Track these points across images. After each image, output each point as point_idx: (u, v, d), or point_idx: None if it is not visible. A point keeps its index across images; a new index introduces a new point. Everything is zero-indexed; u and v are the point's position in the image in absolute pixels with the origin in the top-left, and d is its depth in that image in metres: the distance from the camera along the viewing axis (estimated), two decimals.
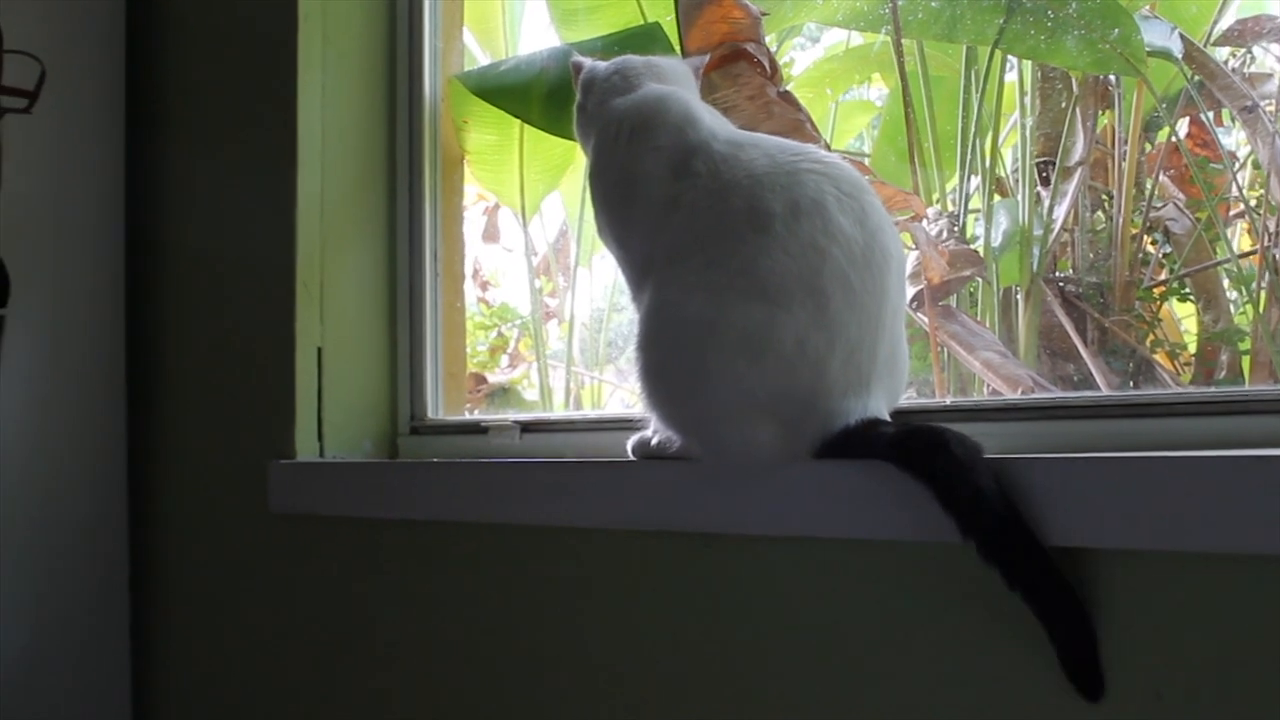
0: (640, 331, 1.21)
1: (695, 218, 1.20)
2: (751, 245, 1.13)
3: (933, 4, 1.69)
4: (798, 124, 1.57)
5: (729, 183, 1.18)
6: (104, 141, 2.02)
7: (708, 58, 1.51)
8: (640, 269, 1.27)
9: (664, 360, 1.18)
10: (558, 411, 2.15)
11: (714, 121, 1.29)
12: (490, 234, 2.71)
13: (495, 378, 2.65)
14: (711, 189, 1.19)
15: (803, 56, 2.22)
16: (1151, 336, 1.84)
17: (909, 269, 1.66)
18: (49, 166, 1.94)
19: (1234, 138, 1.85)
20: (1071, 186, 1.84)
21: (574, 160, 2.07)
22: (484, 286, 2.79)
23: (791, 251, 1.11)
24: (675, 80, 1.37)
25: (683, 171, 1.23)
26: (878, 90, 2.26)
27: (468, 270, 2.06)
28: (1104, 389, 1.68)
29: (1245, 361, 1.72)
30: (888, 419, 1.14)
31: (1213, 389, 1.59)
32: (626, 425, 1.37)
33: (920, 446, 1.03)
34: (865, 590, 1.18)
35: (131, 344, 2.03)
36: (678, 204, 1.22)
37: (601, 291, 2.38)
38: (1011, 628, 1.06)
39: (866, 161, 2.12)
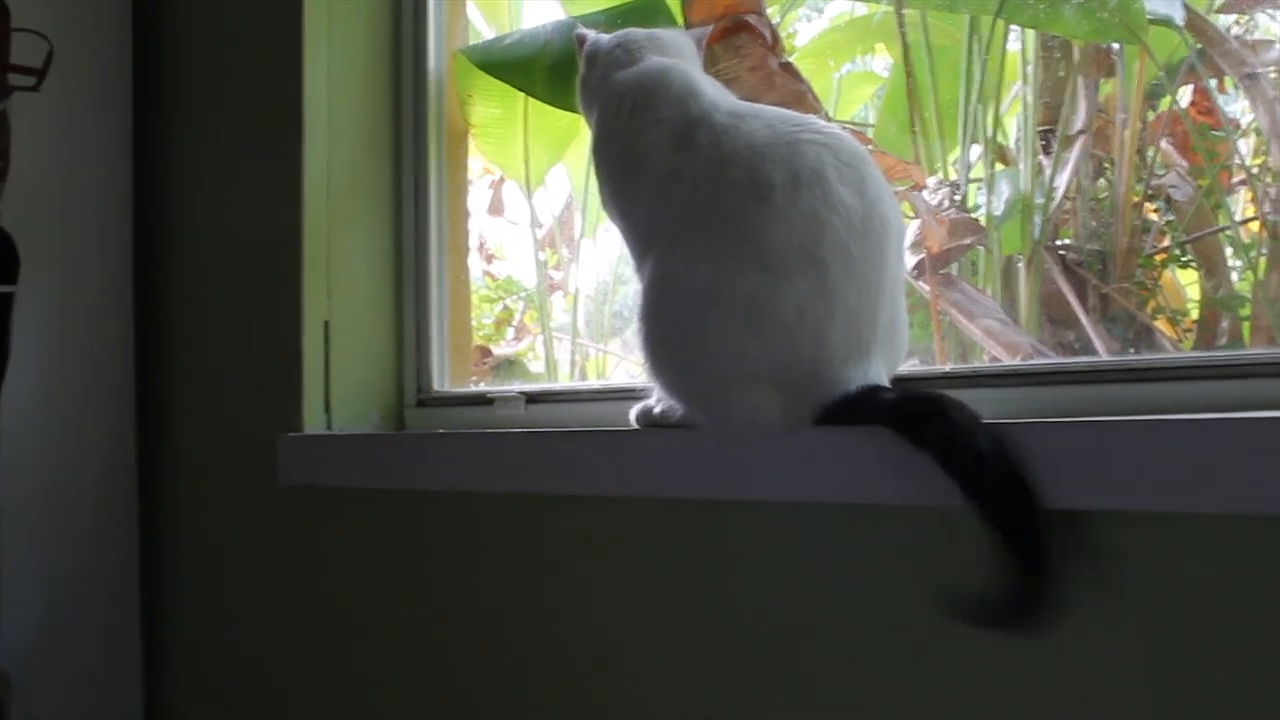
0: (643, 302, 1.22)
1: (697, 189, 1.21)
2: (752, 215, 1.14)
3: None
4: (800, 95, 1.58)
5: (730, 154, 1.19)
6: (111, 119, 2.05)
7: (710, 29, 1.51)
8: (644, 240, 1.28)
9: (667, 330, 1.20)
10: (562, 382, 2.16)
11: (715, 93, 1.30)
12: (495, 207, 2.73)
13: (501, 350, 2.67)
14: (713, 160, 1.20)
15: (807, 28, 2.23)
16: (1153, 303, 1.85)
17: (910, 238, 1.67)
18: (57, 145, 1.96)
19: (1239, 105, 1.85)
20: (1073, 155, 1.85)
21: (578, 133, 2.08)
22: (489, 259, 2.81)
23: (792, 221, 1.12)
24: (678, 53, 1.38)
25: (685, 143, 1.24)
26: (882, 60, 2.27)
27: (473, 244, 2.07)
28: (1104, 355, 1.69)
29: (1246, 327, 1.73)
30: (888, 385, 1.15)
31: (1209, 353, 1.60)
32: (630, 395, 1.39)
33: (918, 413, 1.04)
34: (866, 553, 1.20)
35: (140, 321, 2.06)
36: (680, 175, 1.23)
37: (607, 263, 2.40)
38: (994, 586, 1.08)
39: (869, 132, 2.13)
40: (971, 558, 1.08)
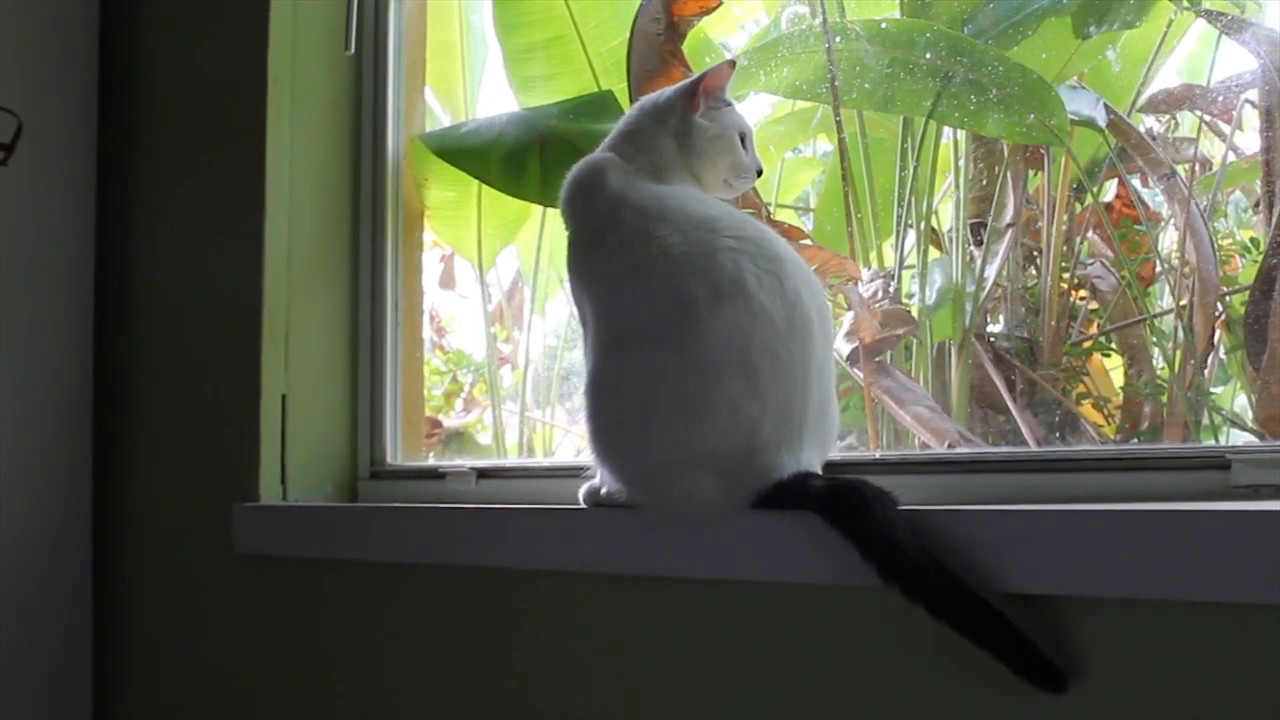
0: (588, 400, 1.28)
1: (618, 295, 1.27)
2: (681, 330, 1.19)
3: (866, 85, 1.77)
4: None
5: (642, 261, 1.24)
6: (76, 193, 2.09)
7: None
8: (587, 330, 1.34)
9: (609, 426, 1.26)
10: (512, 458, 2.21)
11: (624, 185, 1.34)
12: (446, 281, 2.76)
13: (450, 422, 2.70)
14: (627, 264, 1.25)
15: (754, 105, 2.27)
16: (1080, 387, 1.91)
17: (845, 328, 1.74)
18: (22, 217, 2.00)
19: (1164, 198, 1.92)
20: (1003, 246, 1.91)
21: (529, 216, 2.15)
22: (439, 332, 2.84)
23: (718, 333, 1.18)
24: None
25: (596, 244, 1.30)
26: (825, 144, 2.33)
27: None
28: (1030, 441, 1.75)
29: (1166, 414, 1.79)
30: (818, 472, 1.22)
31: (1121, 447, 1.67)
32: (578, 473, 1.44)
33: (841, 503, 1.10)
34: (796, 629, 1.25)
35: (99, 390, 2.09)
36: (595, 277, 1.30)
37: (554, 330, 2.46)
38: (932, 662, 1.14)
39: (810, 218, 2.20)
40: (895, 632, 1.16)
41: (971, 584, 1.04)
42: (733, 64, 1.40)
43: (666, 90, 1.42)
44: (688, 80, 1.40)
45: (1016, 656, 1.03)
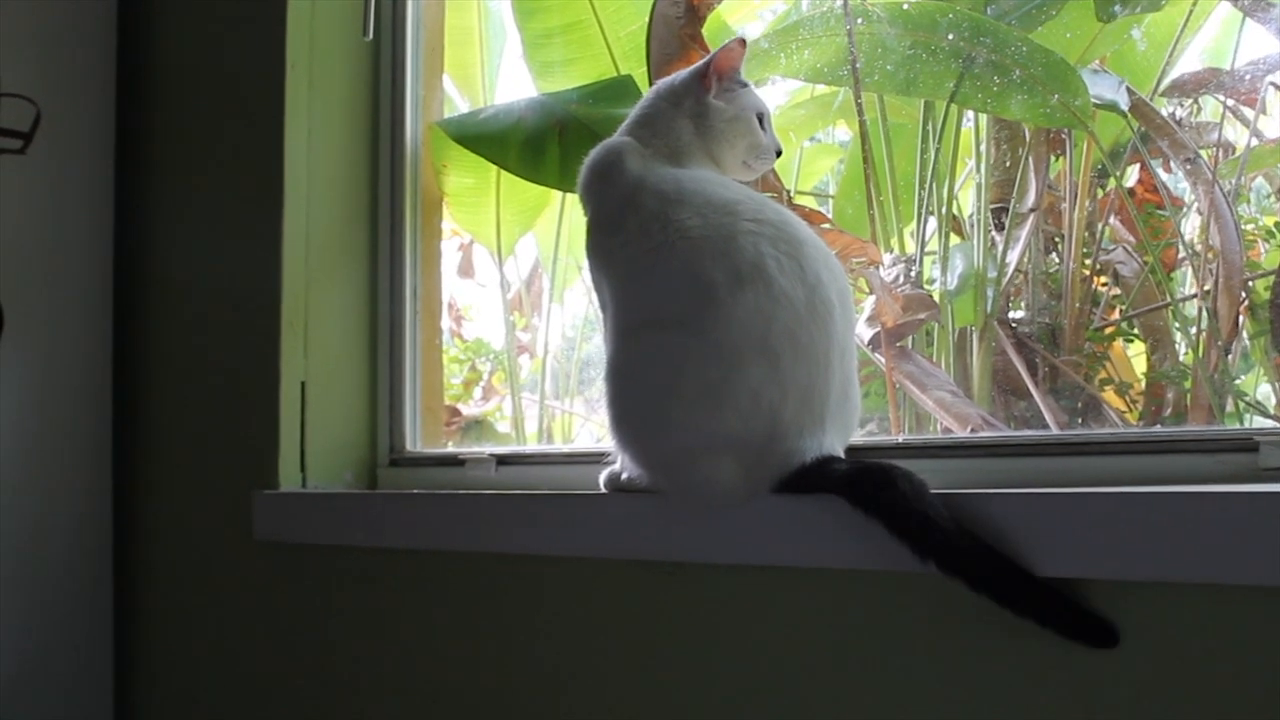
0: (608, 386, 1.28)
1: (637, 280, 1.27)
2: (701, 314, 1.18)
3: (888, 67, 1.76)
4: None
5: (661, 245, 1.23)
6: (95, 182, 2.08)
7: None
8: (607, 315, 1.34)
9: (630, 412, 1.26)
10: (532, 445, 2.21)
11: (643, 169, 1.33)
12: (465, 269, 2.76)
13: (469, 410, 2.70)
14: (646, 248, 1.25)
15: (773, 92, 2.27)
16: (1103, 373, 1.90)
17: (867, 313, 1.73)
18: (41, 205, 2.00)
19: (1186, 183, 1.91)
20: (1025, 231, 1.90)
21: (548, 203, 2.14)
22: (458, 320, 2.84)
23: (738, 318, 1.17)
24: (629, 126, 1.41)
25: (615, 229, 1.30)
26: (844, 131, 2.32)
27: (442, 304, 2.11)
28: (1053, 426, 1.74)
29: (1190, 398, 1.78)
30: (841, 456, 1.21)
31: (1147, 429, 1.66)
32: (598, 459, 1.44)
33: (868, 484, 1.10)
34: (819, 614, 1.25)
35: (119, 378, 2.09)
36: (614, 261, 1.30)
37: (572, 320, 2.45)
38: (954, 646, 1.13)
39: (829, 203, 2.19)
40: (919, 616, 1.15)
41: (1003, 555, 1.03)
42: (743, 41, 1.40)
43: (681, 73, 1.42)
44: (699, 62, 1.39)
45: (1063, 620, 1.02)
